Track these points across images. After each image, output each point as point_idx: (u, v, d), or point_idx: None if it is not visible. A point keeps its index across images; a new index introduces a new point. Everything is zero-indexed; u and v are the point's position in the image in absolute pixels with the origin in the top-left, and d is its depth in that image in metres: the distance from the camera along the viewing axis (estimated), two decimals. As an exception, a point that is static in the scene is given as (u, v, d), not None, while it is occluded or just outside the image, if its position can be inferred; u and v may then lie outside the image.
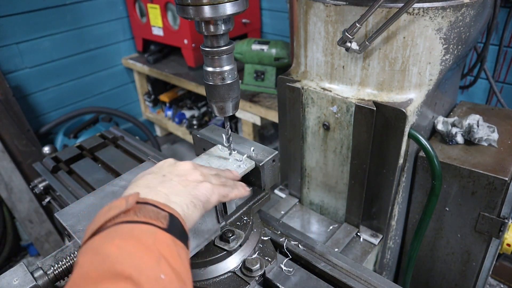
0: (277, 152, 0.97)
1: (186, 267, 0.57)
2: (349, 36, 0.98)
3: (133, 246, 0.52)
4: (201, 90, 2.70)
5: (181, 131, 3.24)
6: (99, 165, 1.41)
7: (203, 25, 0.75)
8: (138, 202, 0.60)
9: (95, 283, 0.47)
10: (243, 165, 0.93)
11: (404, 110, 1.03)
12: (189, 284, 0.56)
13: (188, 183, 0.69)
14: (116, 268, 0.49)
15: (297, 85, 1.22)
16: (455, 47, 1.06)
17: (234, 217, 0.94)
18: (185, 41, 2.78)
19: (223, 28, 0.75)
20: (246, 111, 2.48)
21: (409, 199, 1.32)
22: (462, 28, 1.03)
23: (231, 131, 0.96)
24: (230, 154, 0.97)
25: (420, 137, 1.09)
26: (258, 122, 2.50)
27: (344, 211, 1.34)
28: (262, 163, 0.94)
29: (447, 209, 1.25)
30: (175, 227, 0.59)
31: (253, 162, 0.94)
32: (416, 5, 0.96)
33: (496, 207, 1.14)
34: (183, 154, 3.57)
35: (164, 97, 3.32)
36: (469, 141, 1.25)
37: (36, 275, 0.76)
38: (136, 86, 3.46)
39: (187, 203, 0.66)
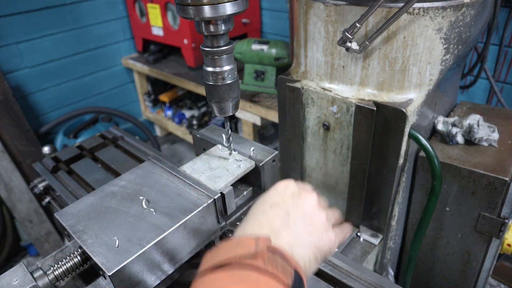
0: (277, 152, 0.96)
1: None
2: (349, 36, 0.98)
3: None
4: (201, 90, 2.70)
5: (181, 131, 3.23)
6: (99, 165, 1.41)
7: (203, 25, 0.75)
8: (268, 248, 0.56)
9: None
10: (243, 165, 0.93)
11: (404, 110, 1.03)
12: None
13: (313, 230, 0.64)
14: None
15: (297, 85, 1.22)
16: (455, 47, 1.06)
17: (234, 217, 0.94)
18: (185, 41, 2.78)
19: (223, 28, 0.75)
20: (246, 111, 2.48)
21: (409, 199, 1.32)
22: (462, 28, 1.03)
23: (231, 131, 0.96)
24: (230, 154, 0.97)
25: (420, 137, 1.09)
26: (258, 122, 2.49)
27: (344, 211, 1.34)
28: (262, 163, 0.93)
29: (447, 209, 1.25)
30: (297, 286, 0.55)
31: (253, 162, 0.94)
32: (416, 5, 0.96)
33: (496, 207, 1.14)
34: (183, 154, 3.57)
35: (164, 97, 3.31)
36: (469, 141, 1.25)
37: (36, 275, 0.76)
38: (136, 86, 3.46)
39: (310, 256, 0.62)
